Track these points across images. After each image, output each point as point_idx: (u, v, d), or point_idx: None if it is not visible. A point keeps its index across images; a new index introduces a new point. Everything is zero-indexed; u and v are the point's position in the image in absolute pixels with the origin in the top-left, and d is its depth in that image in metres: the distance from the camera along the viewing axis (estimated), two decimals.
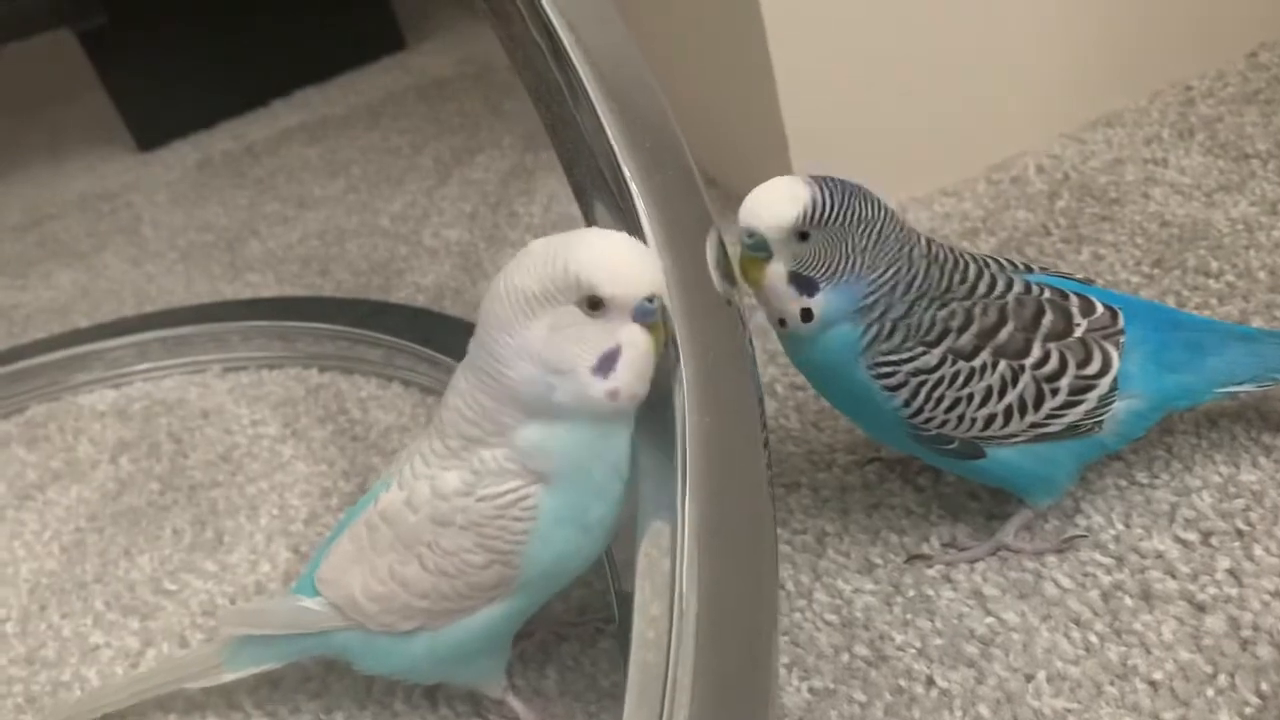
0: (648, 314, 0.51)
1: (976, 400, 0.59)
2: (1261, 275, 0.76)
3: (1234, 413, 0.67)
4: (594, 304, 0.51)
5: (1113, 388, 0.59)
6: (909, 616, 0.61)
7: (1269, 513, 0.61)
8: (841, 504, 0.70)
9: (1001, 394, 0.58)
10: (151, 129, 1.62)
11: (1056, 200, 0.90)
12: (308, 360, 1.00)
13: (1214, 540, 0.60)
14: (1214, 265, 0.78)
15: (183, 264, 1.26)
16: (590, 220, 0.62)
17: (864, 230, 0.58)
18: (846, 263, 0.58)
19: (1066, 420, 0.59)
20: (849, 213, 0.57)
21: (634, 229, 0.58)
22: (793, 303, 0.59)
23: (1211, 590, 0.58)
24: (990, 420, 0.59)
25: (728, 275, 0.57)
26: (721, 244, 0.58)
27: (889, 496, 0.69)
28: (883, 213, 0.59)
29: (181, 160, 1.56)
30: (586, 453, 0.53)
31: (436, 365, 0.89)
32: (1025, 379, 0.58)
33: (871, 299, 0.58)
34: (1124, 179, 0.90)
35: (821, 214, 0.57)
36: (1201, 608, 0.57)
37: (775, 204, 0.57)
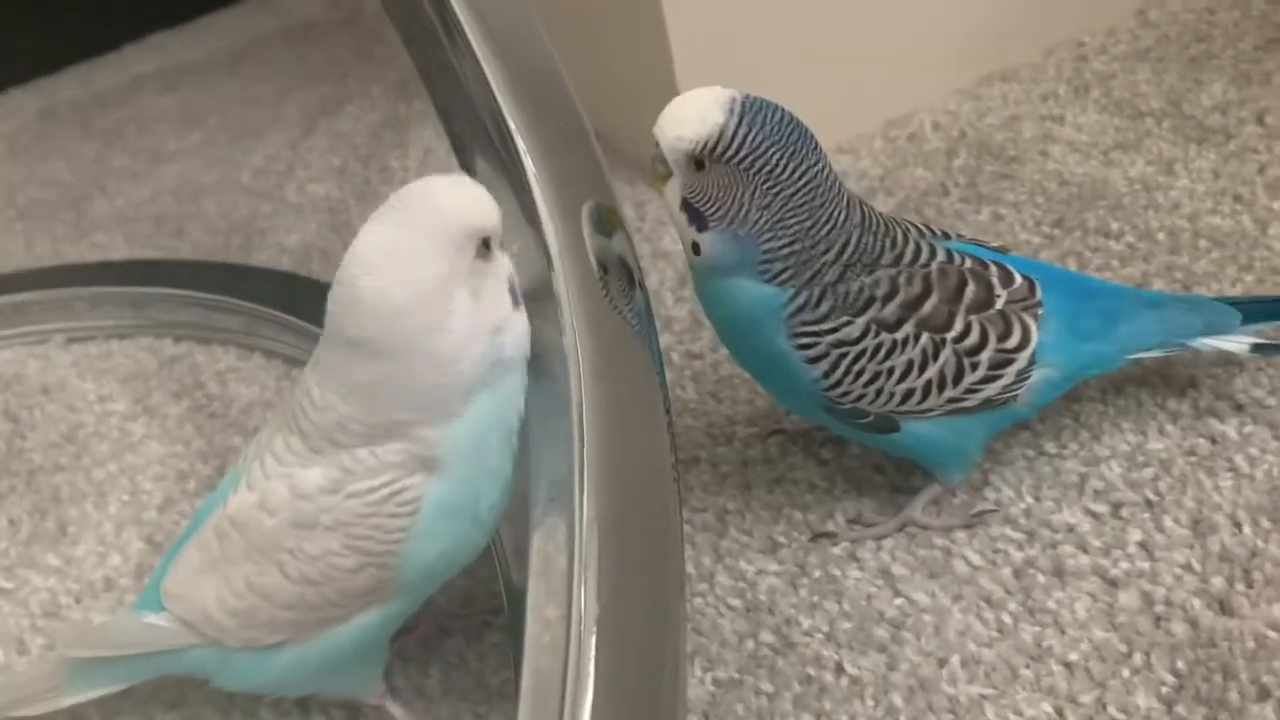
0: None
1: (897, 374, 0.55)
2: (1161, 236, 0.75)
3: (1139, 378, 0.65)
4: (486, 244, 0.48)
5: (1031, 361, 0.57)
6: (816, 599, 0.58)
7: (1177, 482, 0.59)
8: (743, 479, 0.66)
9: (922, 368, 0.55)
10: None
11: (954, 158, 0.88)
12: (160, 329, 0.92)
13: (1124, 512, 0.59)
14: (1114, 226, 0.77)
15: (21, 223, 1.16)
16: (473, 174, 0.56)
17: (771, 186, 0.53)
18: (739, 211, 0.54)
19: (984, 394, 0.57)
20: (758, 159, 0.53)
21: (520, 186, 0.53)
22: (684, 229, 0.55)
23: (1124, 565, 0.56)
24: (909, 395, 0.56)
25: (607, 242, 0.52)
26: (605, 213, 0.53)
27: (792, 470, 0.66)
28: (807, 174, 0.54)
29: (22, 109, 1.43)
30: (488, 428, 0.49)
31: (302, 335, 0.83)
32: (946, 353, 0.55)
33: (768, 263, 0.54)
34: (1021, 136, 0.88)
35: (723, 148, 0.52)
36: (1114, 583, 0.56)
37: (682, 120, 0.53)
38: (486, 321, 0.48)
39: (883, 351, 0.55)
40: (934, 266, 0.56)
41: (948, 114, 0.93)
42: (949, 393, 0.56)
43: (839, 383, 0.55)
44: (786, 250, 0.54)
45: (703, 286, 0.58)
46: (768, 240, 0.54)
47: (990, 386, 0.57)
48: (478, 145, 0.55)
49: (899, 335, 0.55)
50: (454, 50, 0.55)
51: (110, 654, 0.55)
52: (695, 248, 0.55)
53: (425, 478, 0.48)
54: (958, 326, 0.56)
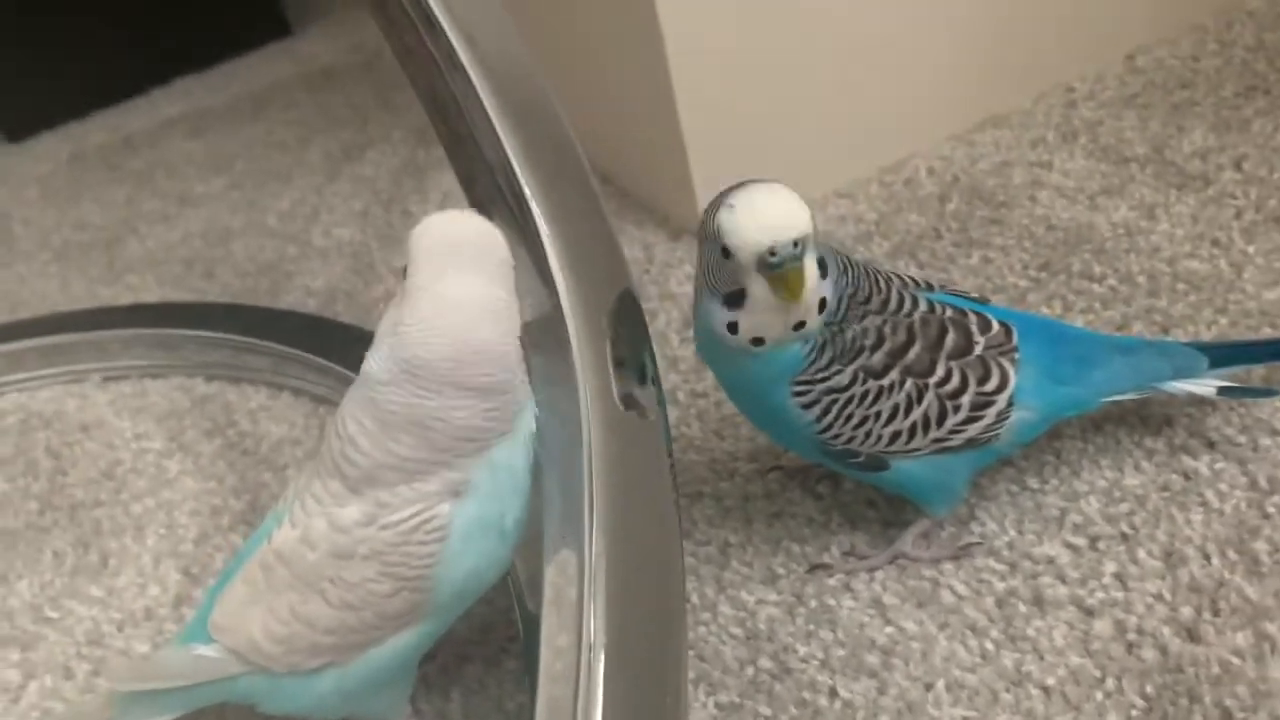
0: None
1: (884, 417, 0.59)
2: (1141, 280, 0.79)
3: (1117, 417, 0.69)
4: None
5: (1010, 403, 0.61)
6: (812, 627, 0.62)
7: (1151, 516, 0.63)
8: (744, 513, 0.70)
9: (908, 411, 0.59)
10: (20, 119, 1.54)
11: (947, 203, 0.92)
12: (193, 369, 0.96)
13: (1100, 545, 0.63)
14: (1097, 270, 0.81)
15: (57, 264, 1.21)
16: None
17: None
18: (834, 258, 0.58)
19: (966, 435, 0.61)
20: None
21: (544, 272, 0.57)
22: (818, 290, 0.56)
23: (1099, 594, 0.60)
24: (896, 436, 0.60)
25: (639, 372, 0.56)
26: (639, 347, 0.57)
27: (790, 505, 0.70)
28: None
29: (53, 153, 1.48)
30: (515, 450, 0.53)
31: (328, 374, 0.87)
32: (930, 397, 0.59)
33: (838, 293, 0.57)
34: (1011, 182, 0.93)
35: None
36: (1090, 612, 0.59)
37: (791, 205, 0.54)
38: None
39: (870, 397, 0.59)
40: (917, 316, 0.60)
41: (941, 159, 0.98)
42: (934, 433, 0.60)
43: (830, 426, 0.59)
44: (844, 280, 0.58)
45: (735, 365, 0.60)
46: (840, 278, 0.58)
47: (972, 427, 0.61)
48: (497, 209, 0.59)
49: (885, 381, 0.59)
50: (473, 125, 0.59)
51: (161, 686, 0.59)
52: (822, 303, 0.56)
53: (453, 503, 0.53)
54: (940, 372, 0.60)
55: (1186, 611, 0.58)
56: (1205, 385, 0.64)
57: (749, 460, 0.74)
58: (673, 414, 0.78)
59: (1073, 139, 0.95)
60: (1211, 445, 0.66)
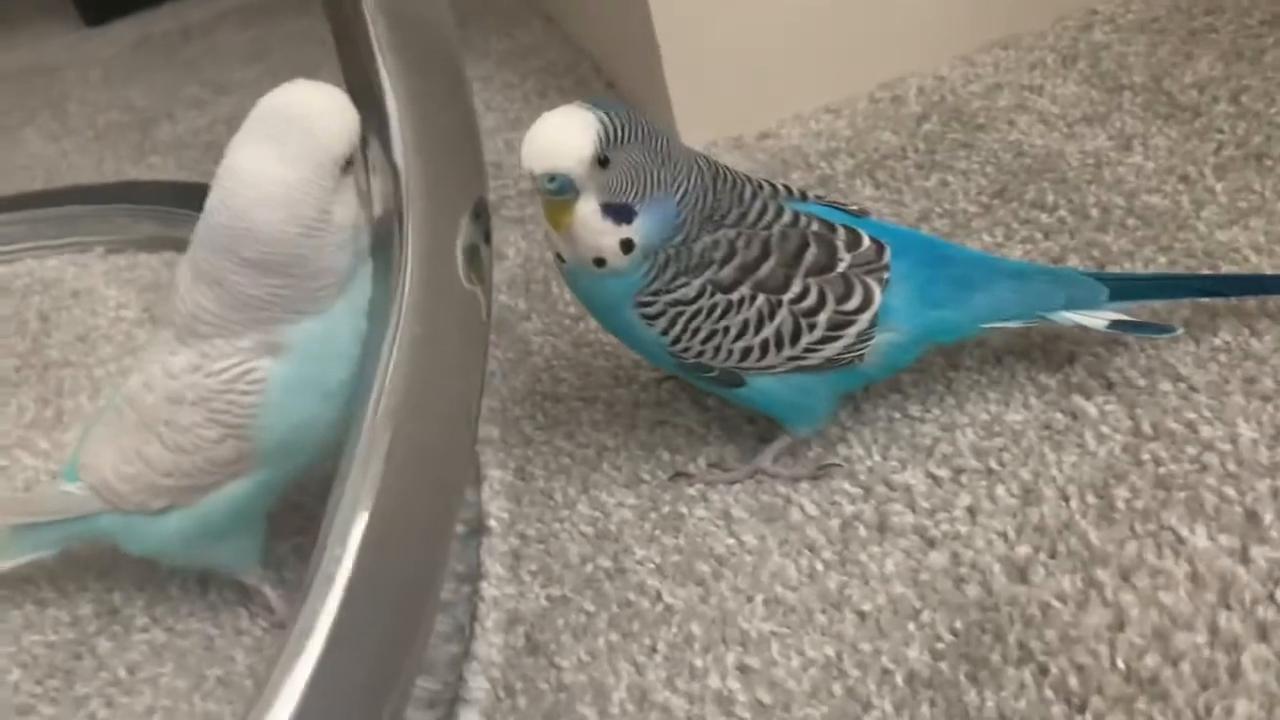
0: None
1: (733, 333, 0.58)
2: (1094, 213, 0.74)
3: (1020, 349, 0.66)
4: (346, 165, 0.54)
5: (872, 323, 0.59)
6: (657, 532, 0.62)
7: (1021, 453, 0.60)
8: (630, 419, 0.70)
9: (758, 328, 0.58)
10: (99, 4, 1.61)
11: (924, 123, 0.88)
12: (183, 245, 1.00)
13: (963, 478, 0.60)
14: (1050, 199, 0.77)
15: (97, 143, 1.26)
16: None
17: (656, 144, 0.56)
18: (654, 179, 0.56)
19: (824, 354, 0.59)
20: (635, 126, 0.55)
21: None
22: (610, 236, 0.56)
23: (945, 526, 0.58)
24: (747, 352, 0.59)
25: (473, 269, 0.56)
26: (475, 240, 0.57)
27: (675, 415, 0.69)
28: (658, 129, 0.57)
29: (121, 38, 1.55)
30: (338, 319, 0.55)
31: None
32: (783, 314, 0.58)
33: (682, 215, 0.56)
34: (996, 104, 0.88)
35: (616, 134, 0.54)
36: (931, 543, 0.58)
37: (569, 138, 0.54)
38: (350, 226, 0.54)
39: (718, 311, 0.57)
40: (776, 229, 0.58)
41: (937, 79, 0.93)
42: (788, 351, 0.59)
43: (679, 339, 0.58)
44: (688, 190, 0.56)
45: (580, 284, 0.60)
46: (678, 189, 0.56)
47: (830, 346, 0.59)
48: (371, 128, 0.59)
49: (734, 296, 0.57)
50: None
51: (34, 520, 0.63)
52: (627, 245, 0.56)
53: (271, 361, 0.55)
54: (795, 288, 0.58)
55: (1023, 550, 0.55)
56: (1097, 318, 0.61)
57: (652, 369, 0.73)
58: (592, 322, 0.78)
59: (1071, 64, 0.90)
60: (1109, 386, 0.63)
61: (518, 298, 0.82)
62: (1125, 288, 0.61)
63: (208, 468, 0.57)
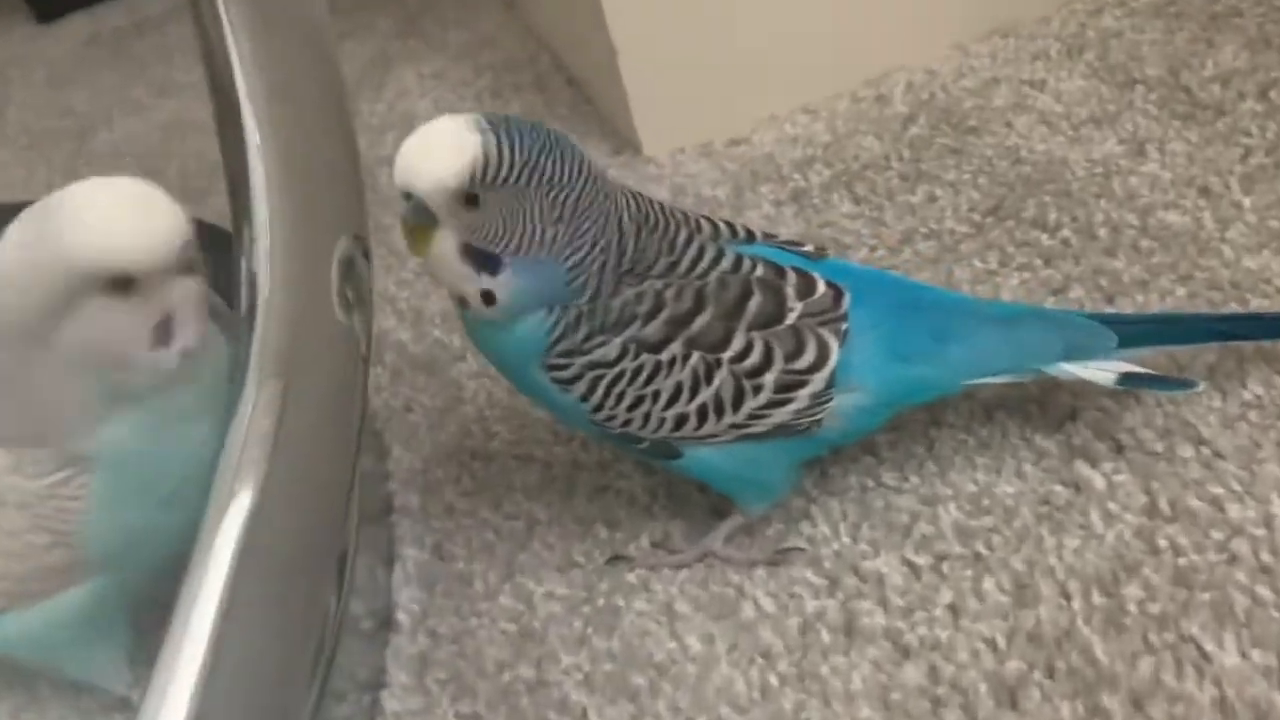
0: (186, 262, 0.44)
1: (664, 398, 0.49)
2: (1102, 233, 0.65)
3: (1015, 403, 0.57)
4: (123, 284, 0.43)
5: (830, 383, 0.49)
6: (589, 631, 0.53)
7: (1014, 536, 0.51)
8: (568, 484, 0.61)
9: (694, 392, 0.49)
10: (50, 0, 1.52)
11: (910, 126, 0.78)
12: None
13: (945, 566, 0.51)
14: (1053, 217, 0.67)
15: (30, 152, 1.18)
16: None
17: (556, 193, 0.46)
18: (535, 234, 0.47)
19: (773, 420, 0.50)
20: (533, 169, 0.46)
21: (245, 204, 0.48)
22: (468, 283, 0.48)
23: (922, 630, 0.49)
24: (682, 420, 0.49)
25: (348, 298, 0.48)
26: (351, 258, 0.48)
27: (619, 479, 0.60)
28: (581, 169, 0.47)
29: (73, 35, 1.46)
30: (145, 434, 0.47)
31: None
32: (722, 374, 0.49)
33: (579, 280, 0.48)
34: (991, 103, 0.78)
35: (496, 171, 0.45)
36: (905, 652, 0.48)
37: (434, 158, 0.45)
38: (91, 356, 0.45)
39: (644, 373, 0.48)
40: (713, 276, 0.49)
41: (927, 73, 0.83)
42: (730, 418, 0.49)
43: (600, 406, 0.49)
44: (589, 258, 0.47)
45: (479, 333, 0.51)
46: (570, 255, 0.47)
47: (780, 411, 0.50)
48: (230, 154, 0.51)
49: (663, 356, 0.48)
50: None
51: None
52: (488, 297, 0.48)
53: (88, 473, 0.47)
54: (736, 344, 0.49)
55: (1014, 666, 0.46)
56: (1105, 370, 0.51)
57: None
58: None
59: (1078, 55, 0.80)
60: (1119, 449, 0.53)
61: (450, 334, 0.73)
62: (1137, 332, 0.52)
63: (38, 574, 0.50)
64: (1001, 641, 0.47)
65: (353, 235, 0.50)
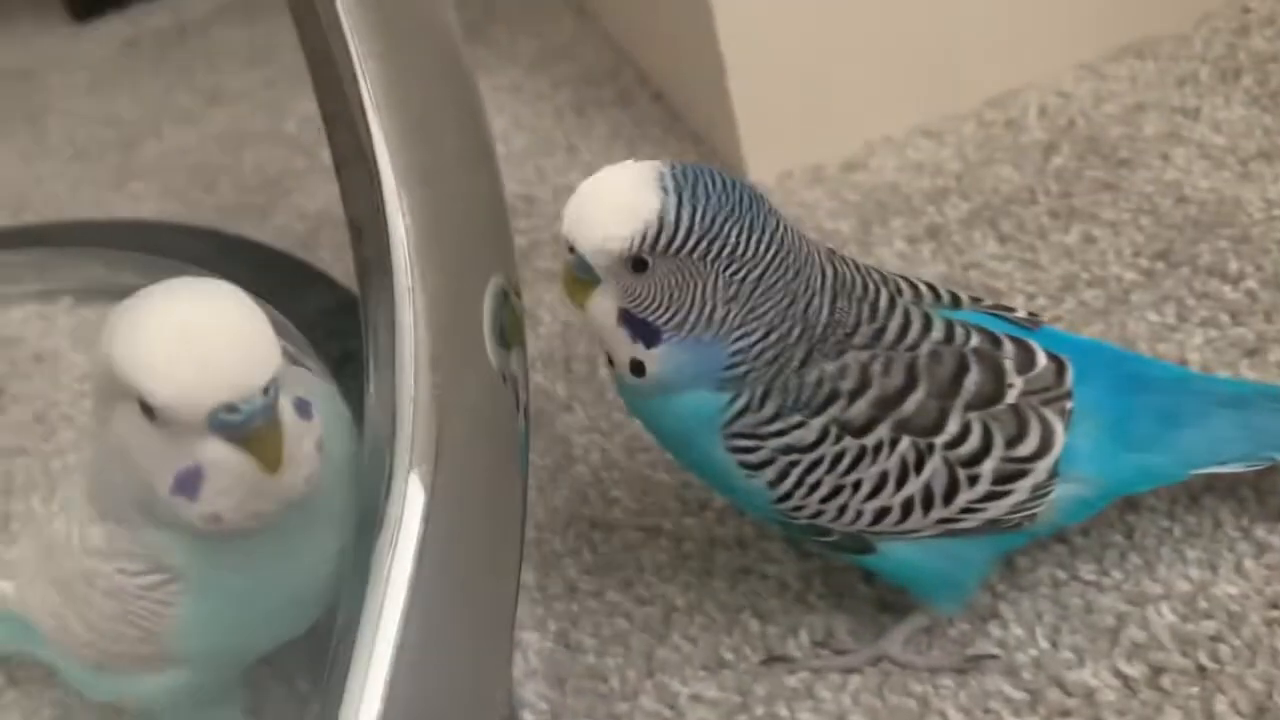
0: (232, 426, 0.36)
1: (866, 489, 0.43)
2: None
3: (1224, 488, 0.50)
4: (148, 410, 0.37)
5: (1053, 473, 0.43)
6: None
7: (1245, 647, 0.45)
8: (704, 564, 0.55)
9: (901, 482, 0.43)
10: None
11: (1053, 156, 0.72)
12: None
13: (1165, 680, 0.45)
14: (1233, 266, 0.60)
15: (76, 164, 1.12)
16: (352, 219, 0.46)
17: (736, 269, 0.41)
18: (703, 311, 0.41)
19: (987, 515, 0.44)
20: (713, 239, 0.40)
21: (383, 245, 0.42)
22: (622, 347, 0.43)
23: None
24: (882, 514, 0.43)
25: (505, 340, 0.41)
26: (505, 298, 0.42)
27: (763, 561, 0.54)
28: (771, 240, 0.41)
29: (112, 36, 1.39)
30: (233, 559, 0.41)
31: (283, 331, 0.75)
32: (934, 462, 0.43)
33: (742, 367, 0.42)
34: (1141, 133, 0.71)
35: (670, 239, 0.40)
36: None
37: (604, 216, 0.40)
38: (125, 462, 0.39)
39: (846, 460, 0.42)
40: (925, 347, 0.43)
41: (1060, 96, 0.77)
42: (938, 512, 0.43)
43: (789, 495, 0.43)
44: (760, 345, 0.42)
45: (632, 396, 0.46)
46: (738, 340, 0.42)
47: (995, 505, 0.43)
48: (364, 202, 0.44)
49: (869, 441, 0.42)
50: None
51: None
52: (637, 367, 0.42)
53: (179, 582, 0.43)
54: (951, 428, 0.42)
55: None
56: None
57: None
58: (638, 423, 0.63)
59: (1233, 79, 0.73)
60: None
61: (555, 380, 0.67)
62: None
63: (132, 659, 0.46)
64: None
65: (502, 281, 0.44)
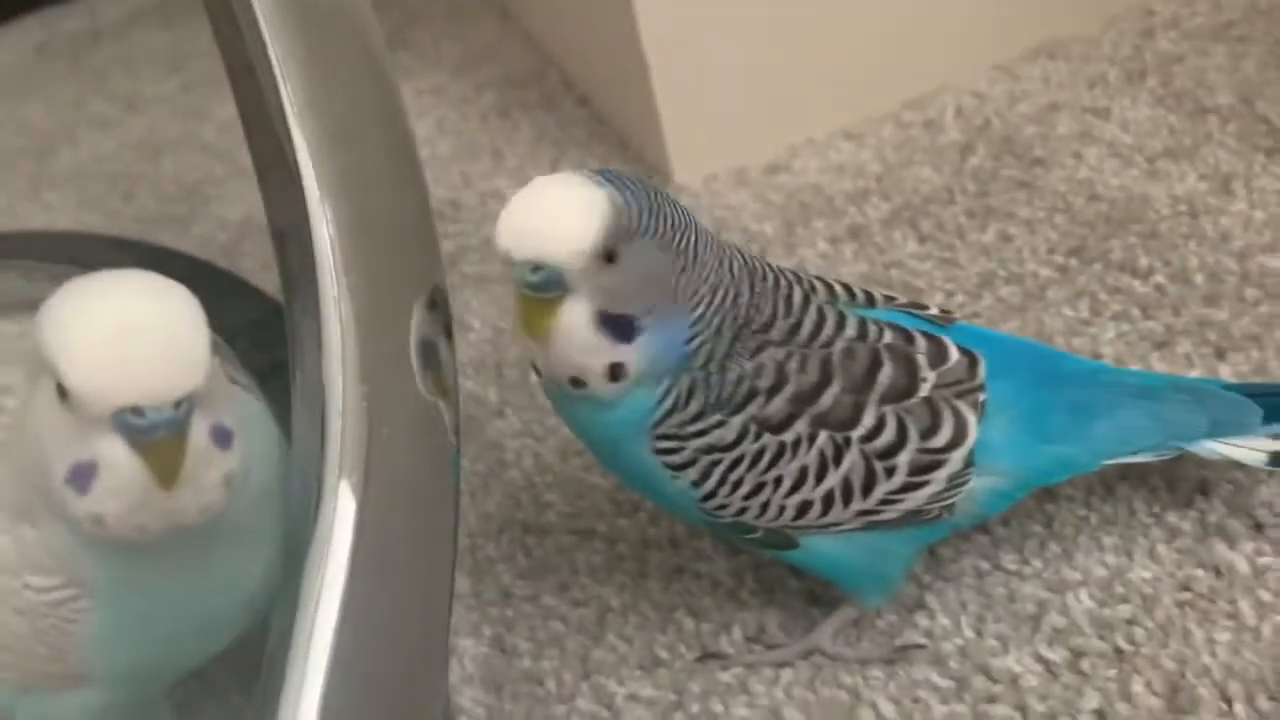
0: (134, 430, 0.35)
1: (786, 485, 0.44)
2: (1199, 279, 0.60)
3: (1137, 477, 0.52)
4: (62, 392, 0.36)
5: (967, 463, 0.44)
6: None
7: (1159, 629, 0.46)
8: (638, 565, 0.55)
9: (820, 477, 0.44)
10: None
11: (969, 156, 0.74)
12: None
13: (1085, 664, 0.46)
14: (1143, 261, 0.62)
15: None
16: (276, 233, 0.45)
17: (679, 238, 0.42)
18: (667, 285, 0.42)
19: (904, 506, 0.45)
20: (658, 215, 0.42)
21: (307, 261, 0.41)
22: (599, 355, 0.42)
23: None
24: (804, 508, 0.44)
25: (434, 346, 0.42)
26: (433, 304, 0.42)
27: (696, 560, 0.54)
28: (685, 210, 0.43)
29: (23, 40, 1.36)
30: (140, 570, 0.40)
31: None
32: (852, 456, 0.44)
33: (696, 341, 0.43)
34: (1055, 132, 0.73)
35: (631, 221, 0.41)
36: None
37: (568, 219, 0.40)
38: (35, 445, 0.38)
39: (766, 457, 0.43)
40: (839, 344, 0.44)
41: (975, 97, 0.79)
42: (858, 504, 0.44)
43: (713, 494, 0.44)
44: (708, 310, 0.43)
45: (572, 408, 0.46)
46: (695, 307, 0.43)
47: (913, 496, 0.44)
48: (285, 207, 0.44)
49: (787, 437, 0.43)
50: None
51: None
52: (615, 371, 0.42)
53: (88, 598, 0.41)
54: (867, 421, 0.44)
55: None
56: (1254, 449, 0.47)
57: None
58: None
59: (1140, 80, 0.75)
60: (1258, 528, 0.49)
61: (486, 385, 0.67)
62: None
63: (45, 678, 0.44)
64: None
65: (430, 291, 0.44)
